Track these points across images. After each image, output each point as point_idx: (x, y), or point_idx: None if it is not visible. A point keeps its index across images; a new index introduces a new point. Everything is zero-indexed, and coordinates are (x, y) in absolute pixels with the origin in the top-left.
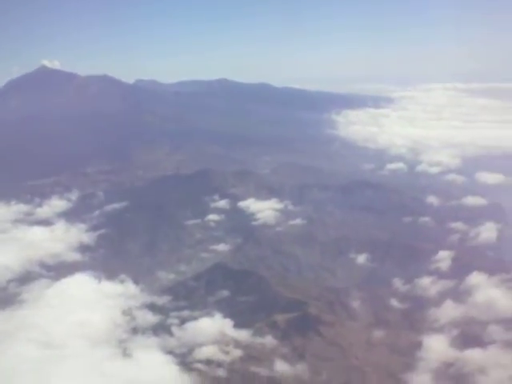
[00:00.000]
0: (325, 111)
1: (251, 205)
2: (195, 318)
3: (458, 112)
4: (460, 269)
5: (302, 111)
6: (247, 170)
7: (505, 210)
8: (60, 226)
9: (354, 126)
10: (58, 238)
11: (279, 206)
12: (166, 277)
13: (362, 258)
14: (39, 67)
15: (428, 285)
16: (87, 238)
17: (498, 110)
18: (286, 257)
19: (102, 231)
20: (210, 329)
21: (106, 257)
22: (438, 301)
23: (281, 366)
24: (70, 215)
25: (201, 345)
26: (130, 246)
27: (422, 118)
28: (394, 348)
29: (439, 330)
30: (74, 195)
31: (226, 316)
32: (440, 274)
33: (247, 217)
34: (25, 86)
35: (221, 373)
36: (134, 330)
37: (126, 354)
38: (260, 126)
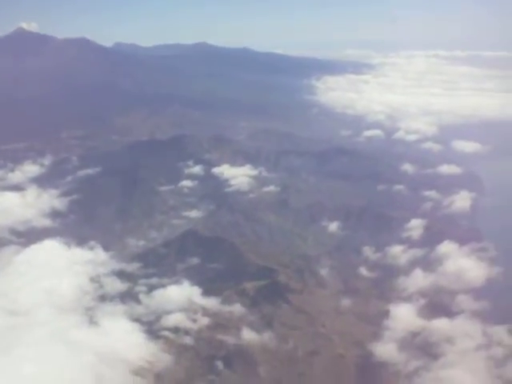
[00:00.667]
0: (305, 77)
1: (225, 171)
2: (164, 286)
3: (438, 79)
4: (431, 238)
5: (282, 77)
6: (223, 136)
7: (480, 179)
8: (32, 192)
9: (334, 92)
10: (30, 203)
11: (253, 172)
12: (137, 243)
13: (334, 226)
14: (16, 29)
15: (399, 253)
16: (59, 203)
17: (478, 78)
18: (259, 224)
19: (74, 197)
20: (178, 296)
21: (77, 223)
22: (408, 270)
23: (248, 334)
24: (42, 180)
25: (168, 312)
26: (101, 212)
27: (402, 85)
28: (362, 316)
29: (407, 298)
30: (48, 160)
31: (194, 283)
32: (411, 243)
33: (221, 183)
34: (1, 49)
35: (188, 341)
36: (102, 298)
37: (92, 321)
38: (239, 92)
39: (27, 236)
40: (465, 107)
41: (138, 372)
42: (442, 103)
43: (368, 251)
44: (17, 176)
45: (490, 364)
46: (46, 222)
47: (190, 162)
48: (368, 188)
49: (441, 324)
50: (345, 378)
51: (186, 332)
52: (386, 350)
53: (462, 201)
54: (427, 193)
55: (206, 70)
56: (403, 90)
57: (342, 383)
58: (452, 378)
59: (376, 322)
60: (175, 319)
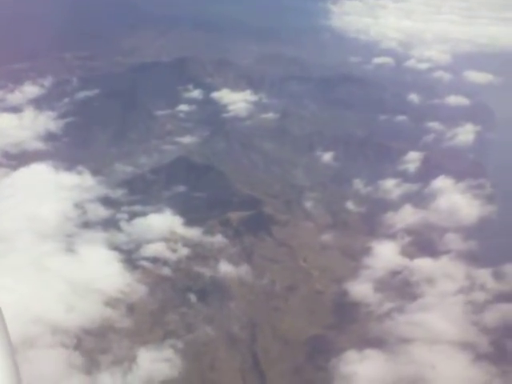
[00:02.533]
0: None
1: (225, 96)
2: (146, 214)
3: (458, 7)
4: (428, 172)
5: None
6: (227, 60)
7: (489, 112)
8: (29, 114)
9: (349, 16)
10: (25, 125)
11: (253, 98)
12: (127, 169)
13: (328, 156)
14: None
15: (391, 187)
16: (54, 126)
17: (499, 6)
18: (255, 151)
19: (70, 119)
20: (159, 225)
21: (70, 146)
22: (399, 205)
23: (225, 267)
24: (40, 102)
25: (149, 242)
26: (96, 136)
27: (421, 11)
28: (347, 252)
29: (393, 235)
30: (48, 81)
31: (178, 212)
32: (406, 177)
33: (219, 109)
34: None
35: (165, 271)
36: (84, 225)
37: (70, 249)
38: (251, 14)
39: (18, 159)
40: (482, 36)
41: (110, 303)
42: (460, 31)
43: (359, 184)
44: (16, 97)
45: (468, 309)
46: (39, 145)
47: (190, 86)
48: (371, 118)
49: (423, 264)
50: (320, 315)
51: (165, 262)
52: (361, 289)
53: (465, 134)
54: (431, 124)
55: None
56: (421, 17)
57: (316, 320)
58: (425, 322)
59: (359, 259)
60: (155, 249)
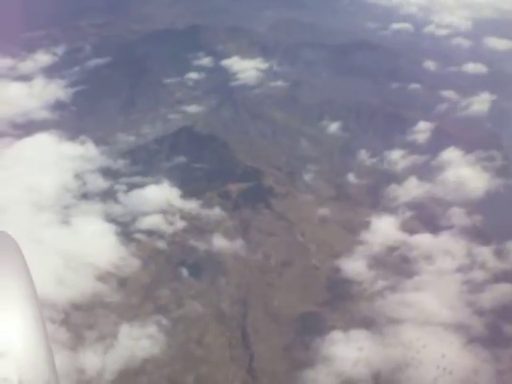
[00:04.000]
0: None
1: (235, 64)
2: (145, 185)
3: None
4: (438, 143)
5: None
6: (241, 27)
7: (508, 79)
8: (39, 82)
9: None
10: (35, 94)
11: (264, 66)
12: (129, 139)
13: (337, 126)
14: None
15: (397, 159)
16: (64, 94)
17: None
18: (263, 121)
19: (80, 88)
20: (157, 197)
21: (77, 116)
22: (403, 177)
23: (220, 241)
24: (52, 70)
25: (145, 214)
26: (104, 105)
27: None
28: (346, 226)
29: (394, 209)
30: (61, 50)
31: (176, 184)
32: (414, 148)
33: (228, 77)
34: None
35: (160, 245)
36: (83, 196)
37: (66, 221)
38: None
39: (25, 128)
40: (507, 2)
41: (102, 277)
42: None
43: (364, 155)
44: (27, 66)
45: (465, 289)
46: (46, 115)
47: (201, 54)
48: (384, 86)
49: (423, 239)
50: (313, 292)
51: (160, 235)
52: (355, 266)
53: (481, 103)
54: (445, 93)
55: None
56: None
57: (309, 297)
58: (418, 302)
59: (358, 234)
60: (151, 221)
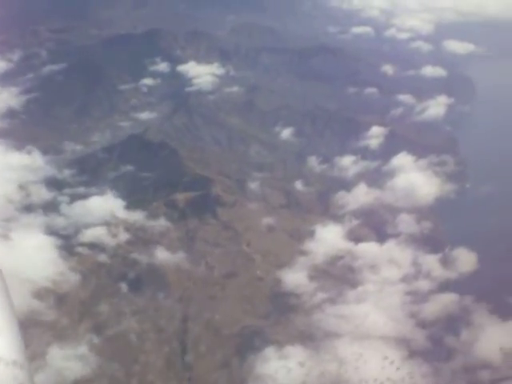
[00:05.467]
0: None
1: (191, 69)
2: (88, 196)
3: None
4: (391, 148)
5: None
6: (201, 31)
7: (466, 83)
8: None
9: None
10: None
11: (220, 71)
12: (78, 148)
13: (291, 132)
14: None
15: (348, 165)
16: (16, 102)
17: None
18: (218, 127)
19: (33, 95)
20: (101, 209)
21: (27, 124)
22: (353, 184)
23: (164, 254)
24: (6, 77)
25: (88, 226)
26: (57, 113)
27: None
28: (293, 235)
29: (341, 217)
30: (17, 55)
31: (122, 194)
32: (365, 153)
33: (184, 82)
34: None
35: (102, 258)
36: (25, 208)
37: (5, 235)
38: None
39: None
40: (469, 4)
41: (39, 294)
42: None
43: (314, 162)
44: None
45: (408, 299)
46: None
47: (158, 59)
48: (342, 90)
49: (369, 248)
50: (256, 305)
51: (103, 248)
52: (296, 277)
53: (437, 107)
54: (402, 97)
55: None
56: None
57: (251, 310)
58: (357, 314)
59: (303, 243)
60: (94, 234)
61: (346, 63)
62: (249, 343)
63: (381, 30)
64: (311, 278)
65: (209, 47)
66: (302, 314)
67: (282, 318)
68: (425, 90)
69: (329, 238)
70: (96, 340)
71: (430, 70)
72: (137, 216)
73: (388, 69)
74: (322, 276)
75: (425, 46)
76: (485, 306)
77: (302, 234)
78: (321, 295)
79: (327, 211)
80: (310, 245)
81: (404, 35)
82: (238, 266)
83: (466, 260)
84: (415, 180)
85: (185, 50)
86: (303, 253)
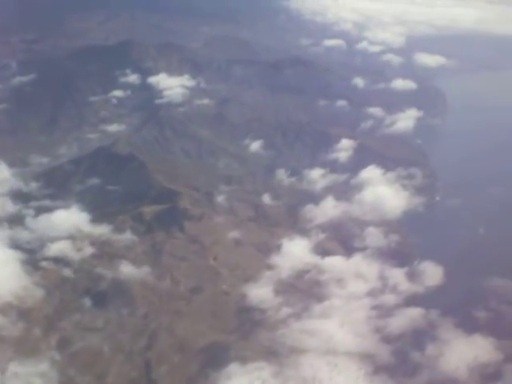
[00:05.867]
0: None
1: (161, 81)
2: (54, 209)
3: None
4: (359, 161)
5: None
6: (174, 43)
7: (436, 95)
8: None
9: None
10: None
11: (191, 83)
12: (45, 161)
13: (262, 144)
14: None
15: (317, 178)
16: None
17: None
18: (189, 140)
19: (1, 107)
20: (66, 222)
21: None
22: (321, 197)
23: (129, 268)
24: None
25: (53, 240)
26: (26, 125)
27: None
28: (261, 249)
29: (308, 231)
30: None
31: (88, 207)
32: (334, 166)
33: (154, 94)
34: None
35: (67, 272)
36: None
37: None
38: None
39: None
40: (442, 18)
41: (2, 309)
42: (420, 13)
43: (282, 175)
44: None
45: (374, 314)
46: None
47: (129, 70)
48: (313, 103)
49: (335, 262)
50: (222, 320)
51: (67, 263)
52: (261, 292)
53: (406, 120)
54: (371, 110)
55: None
56: None
57: (217, 325)
58: (322, 330)
59: (269, 257)
60: (59, 248)
61: (317, 76)
62: (214, 359)
63: (353, 42)
64: (277, 292)
65: (181, 59)
66: (266, 329)
67: (248, 333)
68: (395, 102)
69: (296, 251)
70: (58, 357)
71: (400, 83)
72: (102, 229)
73: (359, 81)
74: (288, 290)
75: (396, 59)
76: (451, 320)
77: (270, 248)
78: (286, 310)
79: (295, 225)
80: (276, 259)
81: (376, 48)
82: (205, 281)
83: (432, 274)
84: (383, 193)
85: (156, 62)
86: (269, 267)
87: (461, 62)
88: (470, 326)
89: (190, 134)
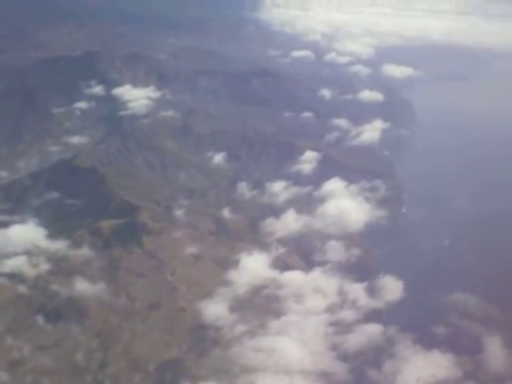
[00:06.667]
0: None
1: (126, 92)
2: (10, 224)
3: None
4: (322, 173)
5: None
6: (141, 54)
7: (403, 106)
8: None
9: (279, 8)
10: None
11: (156, 94)
12: (3, 174)
13: (225, 157)
14: None
15: (279, 190)
16: None
17: None
18: (152, 152)
19: None
20: (22, 237)
21: None
22: (282, 210)
23: (85, 285)
24: None
25: (8, 256)
26: None
27: (355, 4)
28: (220, 263)
29: (268, 245)
30: None
31: (46, 222)
32: (297, 179)
33: (119, 106)
34: None
35: (21, 289)
36: None
37: None
38: (178, 6)
39: None
40: (412, 29)
41: None
42: (390, 24)
43: (244, 188)
44: None
45: (332, 331)
46: None
47: (93, 82)
48: (279, 114)
49: (294, 277)
50: (178, 337)
51: (22, 279)
52: (217, 309)
53: (372, 131)
54: (337, 121)
55: None
56: (353, 9)
57: (173, 342)
58: (277, 347)
59: (227, 272)
60: (14, 264)
61: (284, 87)
62: (167, 378)
63: (322, 54)
64: (232, 309)
65: (147, 70)
66: (220, 347)
67: (202, 351)
68: (361, 114)
69: (254, 266)
70: (7, 377)
71: (367, 94)
72: (59, 245)
73: (326, 93)
74: (244, 307)
75: (364, 70)
76: (409, 336)
77: (229, 263)
78: (241, 327)
79: (255, 239)
80: (234, 274)
81: (344, 59)
82: (162, 297)
83: (393, 288)
84: (346, 206)
85: (122, 73)
86: (226, 283)
87: (429, 72)
88: (428, 342)
89: (154, 146)
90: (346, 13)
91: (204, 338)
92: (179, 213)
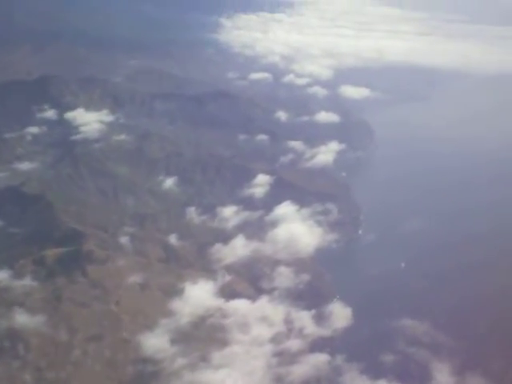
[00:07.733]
0: (215, 14)
1: (78, 116)
2: None
3: (354, 20)
4: (274, 197)
5: (190, 12)
6: (96, 77)
7: (359, 128)
8: None
9: (239, 31)
10: None
11: (109, 118)
12: None
13: (176, 181)
14: None
15: (229, 215)
16: None
17: (395, 19)
18: (104, 177)
19: None
20: None
21: None
22: (232, 236)
23: (25, 317)
24: None
25: None
26: None
27: (315, 26)
28: (167, 292)
29: (215, 272)
30: None
31: None
32: (249, 203)
33: (71, 130)
34: None
35: None
36: None
37: None
38: (137, 28)
39: None
40: (371, 50)
41: None
42: (349, 45)
43: (193, 213)
44: None
45: (276, 362)
46: None
47: (46, 106)
48: (235, 137)
49: (240, 305)
50: (119, 370)
51: None
52: (157, 341)
53: (327, 153)
54: (292, 143)
55: (104, 3)
56: (313, 31)
57: (114, 375)
58: (217, 381)
59: (172, 301)
60: None
61: (240, 109)
62: None
63: (280, 75)
64: (173, 341)
65: (102, 94)
66: (159, 382)
67: None
68: (317, 136)
69: (199, 295)
70: None
71: (323, 116)
72: (1, 275)
73: (282, 115)
74: (186, 339)
75: (321, 92)
76: (356, 365)
77: (176, 292)
78: (181, 361)
79: (204, 265)
80: (178, 304)
81: (302, 81)
82: (104, 328)
83: (341, 315)
84: (296, 230)
85: (77, 97)
86: (169, 313)
87: (387, 93)
88: (375, 372)
89: (106, 171)
90: (306, 34)
91: (144, 371)
92: (127, 239)
